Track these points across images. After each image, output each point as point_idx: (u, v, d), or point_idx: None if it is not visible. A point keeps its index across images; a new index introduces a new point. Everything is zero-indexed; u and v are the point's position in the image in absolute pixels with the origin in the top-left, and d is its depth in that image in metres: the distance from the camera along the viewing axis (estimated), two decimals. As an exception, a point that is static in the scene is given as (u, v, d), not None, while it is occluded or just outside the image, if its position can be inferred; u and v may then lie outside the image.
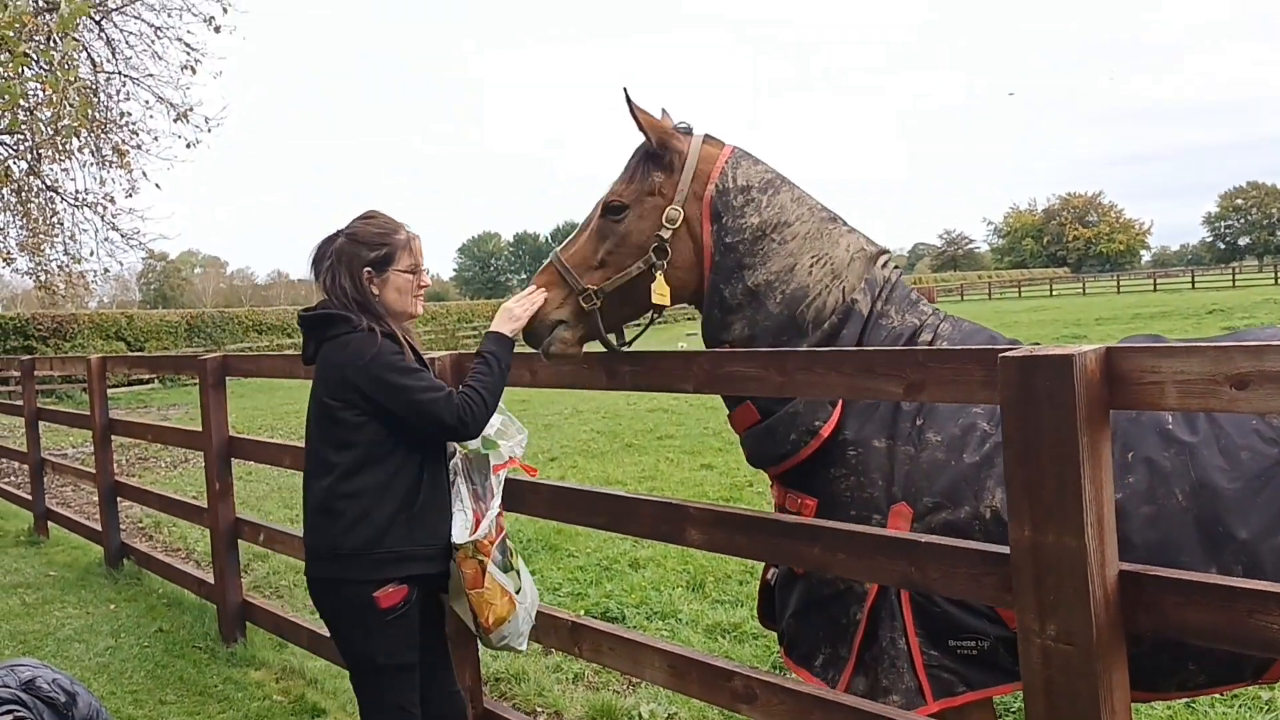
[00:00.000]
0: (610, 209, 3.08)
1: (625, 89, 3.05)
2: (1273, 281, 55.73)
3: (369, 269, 3.07)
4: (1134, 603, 2.04)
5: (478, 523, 3.13)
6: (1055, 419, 2.01)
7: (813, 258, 3.00)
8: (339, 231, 3.13)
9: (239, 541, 6.24)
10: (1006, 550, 2.16)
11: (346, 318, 3.00)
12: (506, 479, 3.38)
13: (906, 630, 2.68)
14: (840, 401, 2.89)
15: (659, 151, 3.07)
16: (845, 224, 3.16)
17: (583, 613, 5.96)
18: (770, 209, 3.02)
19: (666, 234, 3.01)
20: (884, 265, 3.09)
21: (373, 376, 2.93)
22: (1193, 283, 62.74)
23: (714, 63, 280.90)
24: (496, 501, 3.22)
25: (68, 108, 14.14)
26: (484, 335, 3.12)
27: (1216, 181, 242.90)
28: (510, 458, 3.23)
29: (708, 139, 3.15)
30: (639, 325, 3.29)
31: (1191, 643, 2.12)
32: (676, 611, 6.24)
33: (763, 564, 3.21)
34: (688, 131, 3.16)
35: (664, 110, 3.24)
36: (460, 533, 3.12)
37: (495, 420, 3.19)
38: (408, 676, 3.12)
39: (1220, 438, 2.48)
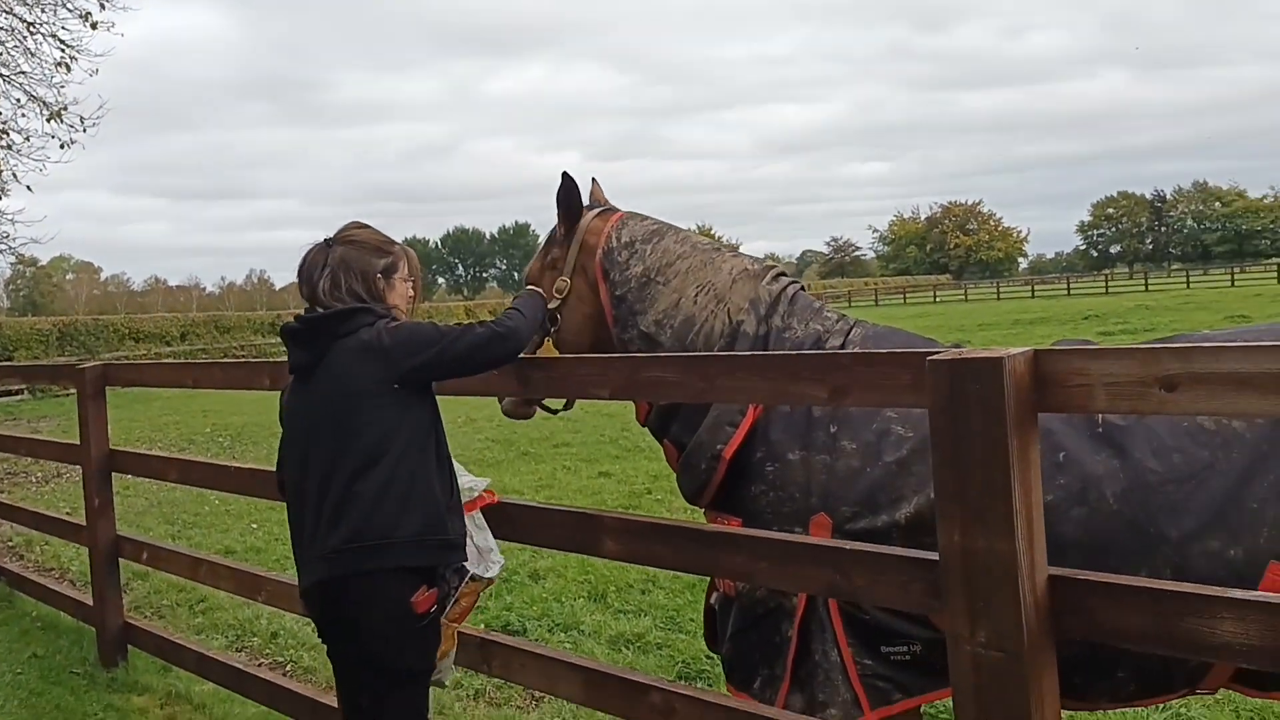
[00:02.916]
0: (528, 282, 3.36)
1: (565, 172, 3.31)
2: (1143, 288, 58.05)
3: (379, 275, 2.95)
4: (1064, 607, 2.02)
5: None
6: (985, 422, 1.98)
7: (697, 288, 3.10)
8: (331, 240, 2.96)
9: (119, 560, 5.94)
10: (935, 556, 2.13)
11: (369, 309, 2.85)
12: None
13: (838, 641, 2.64)
14: (745, 422, 2.87)
15: (559, 231, 3.36)
16: (731, 251, 3.26)
17: (483, 626, 5.82)
18: (654, 255, 3.19)
19: (554, 303, 3.26)
20: (774, 280, 3.11)
21: (405, 340, 2.78)
22: (1068, 289, 65.09)
23: (591, 84, 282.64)
24: (490, 538, 3.10)
25: (-70, 105, 13.41)
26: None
27: (1088, 190, 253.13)
28: (483, 493, 3.12)
29: (601, 212, 3.37)
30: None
31: (1124, 647, 2.10)
32: (579, 623, 6.13)
33: (680, 574, 3.16)
34: (605, 212, 3.37)
35: (594, 180, 3.55)
36: (482, 565, 3.00)
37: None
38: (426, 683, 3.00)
39: (1152, 440, 2.47)
